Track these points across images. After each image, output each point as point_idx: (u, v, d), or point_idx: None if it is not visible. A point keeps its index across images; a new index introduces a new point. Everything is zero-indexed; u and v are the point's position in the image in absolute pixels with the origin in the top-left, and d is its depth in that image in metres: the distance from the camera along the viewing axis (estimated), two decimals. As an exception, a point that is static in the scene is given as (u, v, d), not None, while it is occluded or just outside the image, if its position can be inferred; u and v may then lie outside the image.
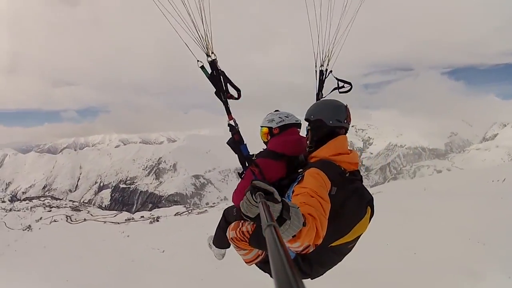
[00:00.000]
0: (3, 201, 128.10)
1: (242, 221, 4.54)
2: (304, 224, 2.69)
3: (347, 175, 3.94)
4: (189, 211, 77.32)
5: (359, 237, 4.05)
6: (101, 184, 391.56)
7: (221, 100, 4.59)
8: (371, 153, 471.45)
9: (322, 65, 5.67)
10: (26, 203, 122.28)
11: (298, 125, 5.16)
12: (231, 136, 4.70)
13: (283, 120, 5.03)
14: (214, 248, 5.88)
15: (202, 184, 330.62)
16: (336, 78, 5.51)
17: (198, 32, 4.27)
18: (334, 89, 5.53)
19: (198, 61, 4.39)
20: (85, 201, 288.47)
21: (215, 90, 4.54)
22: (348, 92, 5.51)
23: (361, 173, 4.29)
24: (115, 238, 41.61)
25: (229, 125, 4.66)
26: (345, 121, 4.28)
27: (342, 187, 3.71)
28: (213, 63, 4.47)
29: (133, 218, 72.88)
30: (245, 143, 4.68)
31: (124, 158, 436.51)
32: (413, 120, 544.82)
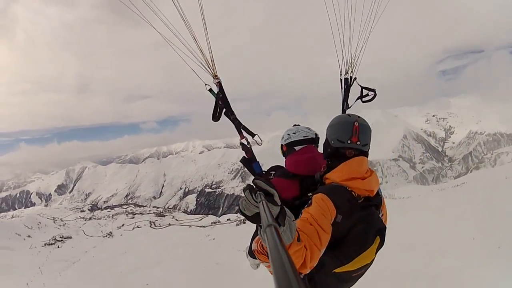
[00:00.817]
0: (82, 211, 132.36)
1: None
2: (298, 240, 2.76)
3: (360, 200, 3.66)
4: None
5: (365, 267, 3.74)
6: (186, 190, 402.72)
7: (231, 120, 4.72)
8: (453, 143, 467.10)
9: (346, 73, 5.46)
10: (108, 211, 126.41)
11: (310, 140, 4.86)
12: (244, 155, 4.74)
13: (290, 137, 4.89)
14: (250, 258, 5.62)
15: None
16: (361, 86, 5.34)
17: (204, 57, 4.40)
18: (358, 98, 5.40)
19: (206, 84, 4.56)
20: (169, 207, 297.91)
21: (224, 110, 4.69)
22: (372, 101, 5.35)
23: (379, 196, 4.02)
24: (199, 242, 41.50)
25: (241, 143, 4.74)
26: (349, 141, 3.79)
27: (348, 215, 3.52)
28: (219, 85, 4.62)
29: (219, 221, 74.20)
30: (257, 161, 4.72)
31: (209, 163, 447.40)
32: (491, 105, 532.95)
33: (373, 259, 3.72)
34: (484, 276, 9.54)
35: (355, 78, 5.40)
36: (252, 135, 4.85)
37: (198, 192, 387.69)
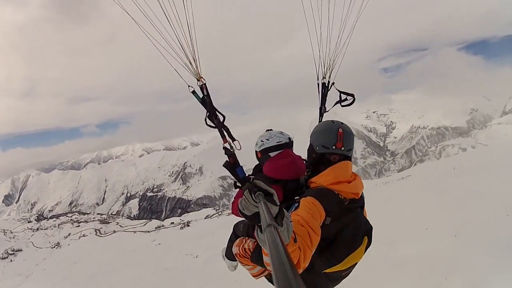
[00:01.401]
0: (29, 221, 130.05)
1: (246, 238, 4.60)
2: (295, 241, 2.86)
3: (346, 203, 3.79)
4: (219, 213, 76.37)
5: (354, 265, 3.95)
6: (128, 195, 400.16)
7: (214, 124, 4.60)
8: (395, 137, 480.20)
9: (324, 77, 5.51)
10: (54, 220, 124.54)
11: (283, 146, 4.85)
12: (226, 159, 4.58)
13: (264, 144, 4.91)
14: (227, 260, 5.68)
15: (230, 184, 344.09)
16: (339, 91, 5.43)
17: (188, 58, 4.31)
18: (337, 103, 5.47)
19: (189, 86, 4.44)
20: (113, 213, 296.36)
21: (207, 114, 4.58)
22: (351, 105, 5.40)
23: (363, 198, 4.18)
24: (146, 247, 41.37)
25: (224, 148, 4.58)
26: (333, 147, 3.94)
27: (337, 218, 3.66)
28: (203, 88, 4.51)
29: (163, 225, 73.79)
30: (241, 165, 4.56)
31: (149, 166, 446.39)
32: (433, 100, 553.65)
33: (361, 257, 3.87)
34: (445, 263, 9.66)
35: (333, 83, 5.46)
36: (233, 139, 4.61)
37: (140, 197, 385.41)
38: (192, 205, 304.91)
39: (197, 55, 4.32)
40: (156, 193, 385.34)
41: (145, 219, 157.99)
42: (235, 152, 4.60)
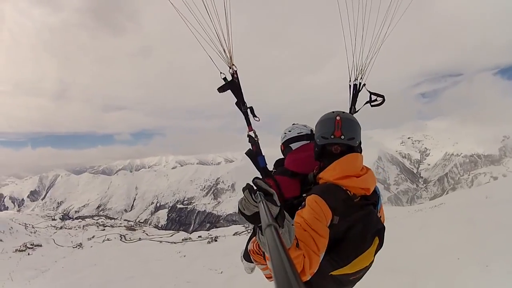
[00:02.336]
0: (54, 219, 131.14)
1: None
2: (297, 245, 2.77)
3: (356, 200, 3.52)
4: (248, 231, 73.61)
5: (363, 270, 3.61)
6: (158, 205, 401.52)
7: (241, 111, 4.77)
8: (429, 164, 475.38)
9: (356, 79, 5.43)
10: (79, 221, 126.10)
11: (305, 137, 4.70)
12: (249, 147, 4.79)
13: (286, 136, 4.78)
14: (244, 262, 5.42)
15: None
16: (369, 92, 5.28)
17: (222, 46, 4.37)
18: (366, 102, 5.34)
19: (221, 73, 4.55)
20: (140, 221, 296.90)
21: (236, 101, 4.74)
22: (381, 105, 5.30)
23: (378, 194, 3.92)
24: (170, 258, 40.76)
25: (249, 136, 4.81)
26: (332, 136, 3.69)
27: (345, 216, 3.38)
28: (234, 75, 4.60)
29: (190, 238, 73.61)
30: (263, 154, 4.75)
31: (182, 179, 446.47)
32: (467, 127, 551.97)
33: (372, 261, 3.61)
34: None
35: (364, 84, 5.36)
36: (257, 118, 4.91)
37: (169, 208, 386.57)
38: (222, 221, 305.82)
39: (231, 44, 4.39)
40: (186, 206, 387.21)
41: (173, 230, 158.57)
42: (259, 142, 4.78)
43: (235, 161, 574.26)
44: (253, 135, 4.78)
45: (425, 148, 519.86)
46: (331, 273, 3.44)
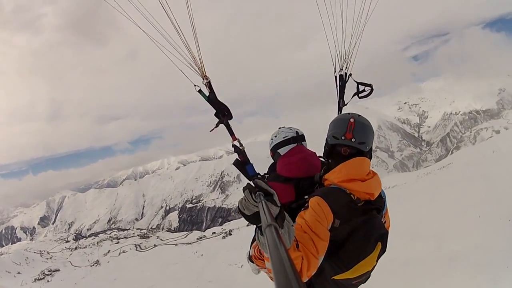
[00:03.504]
0: (67, 241, 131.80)
1: None
2: (297, 246, 2.80)
3: (360, 204, 3.51)
4: None
5: (366, 274, 3.55)
6: (167, 208, 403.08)
7: (222, 122, 4.67)
8: (429, 127, 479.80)
9: (341, 69, 5.40)
10: (92, 239, 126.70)
11: (290, 140, 4.59)
12: (236, 157, 4.75)
13: (272, 141, 4.71)
14: (250, 263, 5.32)
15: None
16: (356, 82, 5.29)
17: (193, 57, 4.36)
18: (354, 94, 5.33)
19: (195, 85, 4.52)
20: (153, 227, 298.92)
21: (215, 112, 4.66)
22: (368, 96, 5.29)
23: (382, 199, 3.88)
24: (188, 259, 40.48)
25: (233, 146, 4.75)
26: (343, 138, 3.62)
27: (347, 220, 3.37)
28: (208, 86, 4.56)
29: (204, 236, 73.90)
30: (251, 163, 4.66)
31: (186, 178, 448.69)
32: (462, 84, 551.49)
33: (374, 266, 3.55)
34: (504, 250, 8.95)
35: (350, 74, 5.35)
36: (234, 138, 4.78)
37: (179, 209, 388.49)
38: (233, 213, 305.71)
39: (201, 55, 4.37)
40: (195, 204, 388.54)
41: (186, 231, 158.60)
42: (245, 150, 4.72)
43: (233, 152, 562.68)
44: (238, 144, 4.75)
45: (423, 111, 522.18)
46: (333, 277, 3.45)
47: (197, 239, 69.81)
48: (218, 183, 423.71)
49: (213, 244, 51.43)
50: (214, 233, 72.19)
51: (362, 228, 3.39)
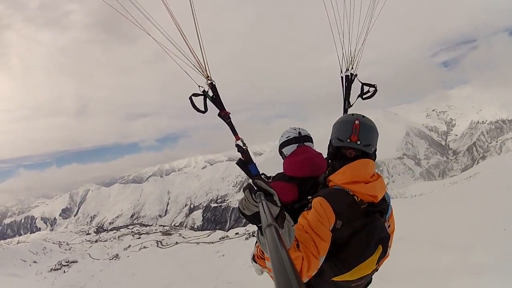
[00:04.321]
0: (88, 233, 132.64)
1: None
2: (297, 246, 2.79)
3: (363, 206, 3.45)
4: None
5: (365, 276, 3.52)
6: (192, 206, 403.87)
7: (225, 122, 4.58)
8: (456, 135, 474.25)
9: (347, 70, 5.26)
10: (114, 232, 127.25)
11: (292, 140, 4.62)
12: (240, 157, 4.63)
13: (279, 141, 4.74)
14: (254, 264, 4.91)
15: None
16: (361, 82, 5.19)
17: (197, 59, 4.33)
18: (359, 96, 5.23)
19: (199, 86, 4.44)
20: (176, 225, 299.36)
21: (218, 112, 4.59)
22: (373, 97, 5.18)
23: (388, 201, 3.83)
24: (209, 259, 40.96)
25: (237, 145, 4.62)
26: (348, 140, 3.55)
27: (349, 221, 3.33)
28: (212, 86, 4.50)
29: (227, 236, 73.89)
30: (254, 162, 4.59)
31: (213, 177, 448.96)
32: (489, 92, 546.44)
33: (375, 269, 3.50)
34: None
35: (355, 75, 5.27)
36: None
37: (203, 208, 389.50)
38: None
39: (205, 57, 4.32)
40: (220, 204, 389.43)
41: (209, 230, 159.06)
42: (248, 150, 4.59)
43: (263, 153, 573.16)
44: (241, 144, 4.60)
45: (451, 118, 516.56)
46: (333, 279, 3.43)
47: (220, 238, 69.87)
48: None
49: (235, 245, 51.24)
50: (237, 233, 72.32)
51: (363, 230, 3.37)
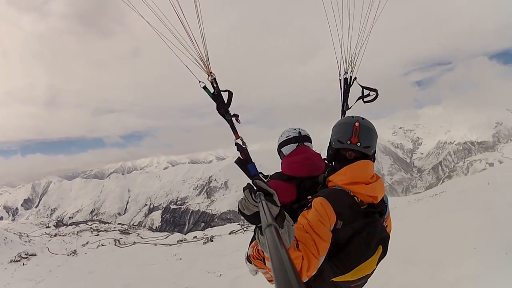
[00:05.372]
0: (48, 226, 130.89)
1: None
2: (297, 246, 2.83)
3: (363, 207, 3.49)
4: (245, 229, 73.17)
5: (365, 277, 3.58)
6: (151, 206, 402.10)
7: (225, 119, 4.55)
8: (422, 153, 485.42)
9: (346, 72, 5.32)
10: (73, 227, 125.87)
11: (292, 140, 4.60)
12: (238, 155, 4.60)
13: (278, 140, 4.76)
14: (248, 264, 5.11)
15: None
16: (361, 86, 5.17)
17: (200, 53, 4.28)
18: (359, 98, 5.23)
19: (200, 81, 4.40)
20: (134, 224, 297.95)
21: (216, 105, 4.54)
22: (374, 101, 5.14)
23: (385, 202, 3.88)
24: (166, 262, 40.28)
25: (236, 144, 4.61)
26: (348, 142, 3.59)
27: (350, 222, 3.37)
28: (214, 82, 4.44)
29: (185, 239, 73.12)
30: (253, 162, 4.54)
31: (174, 179, 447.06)
32: (459, 114, 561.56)
33: (374, 269, 3.52)
34: (498, 283, 8.85)
35: (355, 78, 5.28)
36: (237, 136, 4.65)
37: (163, 209, 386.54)
38: (216, 219, 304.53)
39: (207, 51, 4.25)
40: (179, 206, 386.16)
41: (167, 231, 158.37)
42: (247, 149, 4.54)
43: (226, 158, 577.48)
44: (241, 143, 4.57)
45: (417, 137, 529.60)
46: (333, 279, 3.42)
47: (178, 241, 69.37)
48: (205, 188, 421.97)
49: (193, 248, 51.18)
50: (195, 237, 71.59)
51: (364, 230, 3.37)
